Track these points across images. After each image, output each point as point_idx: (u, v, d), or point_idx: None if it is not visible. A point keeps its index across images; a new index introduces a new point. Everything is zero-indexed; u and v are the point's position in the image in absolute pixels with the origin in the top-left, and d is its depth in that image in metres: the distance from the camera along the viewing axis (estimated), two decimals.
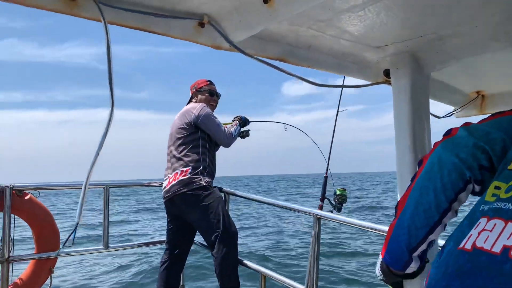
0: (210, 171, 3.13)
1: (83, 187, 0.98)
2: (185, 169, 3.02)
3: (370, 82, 1.65)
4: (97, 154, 0.98)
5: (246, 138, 3.53)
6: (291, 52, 1.38)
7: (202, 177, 3.01)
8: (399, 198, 1.44)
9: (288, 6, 1.03)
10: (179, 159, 3.08)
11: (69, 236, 1.95)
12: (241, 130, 3.47)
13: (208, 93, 3.39)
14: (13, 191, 3.07)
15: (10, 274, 3.05)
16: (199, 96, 3.37)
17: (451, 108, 2.07)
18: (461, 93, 2.01)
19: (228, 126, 3.38)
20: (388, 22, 1.22)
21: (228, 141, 3.25)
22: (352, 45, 1.40)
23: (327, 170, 3.46)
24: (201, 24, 1.15)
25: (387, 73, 1.54)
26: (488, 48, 1.30)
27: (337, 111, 3.57)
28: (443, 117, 2.02)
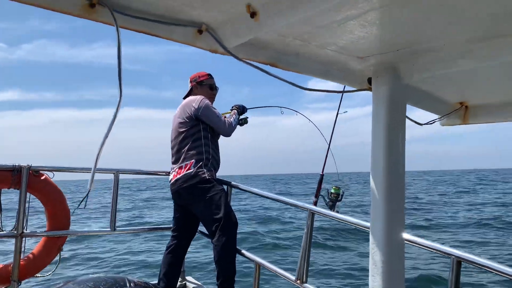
0: (214, 162, 3.27)
1: (95, 159, 1.13)
2: (189, 162, 3.16)
3: (356, 88, 1.77)
4: (107, 134, 1.12)
5: (245, 124, 3.63)
6: (281, 58, 1.50)
7: (205, 169, 3.15)
8: (372, 200, 1.57)
9: (272, 20, 1.17)
10: (183, 152, 3.21)
11: (82, 200, 2.10)
12: (240, 118, 3.58)
13: (209, 87, 3.48)
14: (30, 171, 3.26)
15: (23, 248, 3.25)
16: (199, 89, 3.46)
17: (435, 116, 2.16)
18: (445, 103, 2.11)
19: (227, 116, 3.47)
20: (365, 37, 1.34)
21: (229, 130, 3.35)
22: (336, 54, 1.52)
23: (323, 169, 3.58)
24: (200, 31, 1.30)
25: (370, 81, 1.67)
26: (456, 64, 1.41)
27: (337, 113, 3.69)
28: (424, 124, 2.12)
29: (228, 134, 3.38)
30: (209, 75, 3.53)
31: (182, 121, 3.27)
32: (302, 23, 1.26)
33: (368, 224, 2.03)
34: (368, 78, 1.70)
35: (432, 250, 1.81)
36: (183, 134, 3.25)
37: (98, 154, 1.13)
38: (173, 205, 3.42)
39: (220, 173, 3.40)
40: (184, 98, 3.53)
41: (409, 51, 1.44)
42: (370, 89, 1.69)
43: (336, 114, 3.69)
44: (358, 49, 1.46)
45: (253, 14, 1.19)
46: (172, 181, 3.25)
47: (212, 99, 3.46)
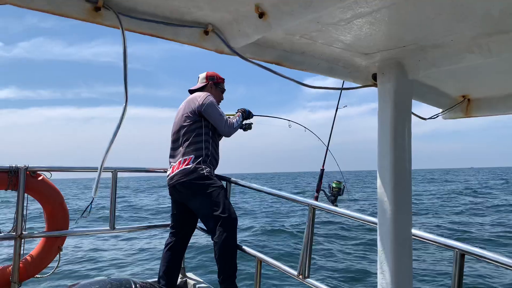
0: (212, 159, 3.25)
1: (99, 166, 1.12)
2: (188, 157, 3.14)
3: (360, 85, 1.77)
4: (112, 141, 1.12)
5: (248, 130, 3.62)
6: (287, 56, 1.50)
7: (204, 166, 3.13)
8: (378, 195, 1.56)
9: (280, 20, 1.16)
10: (182, 147, 3.20)
11: (86, 208, 2.10)
12: (244, 123, 3.57)
13: (221, 91, 3.54)
14: (27, 172, 3.23)
15: (22, 250, 3.23)
16: (214, 89, 3.48)
17: (438, 110, 2.17)
18: (447, 97, 2.11)
19: (231, 117, 3.46)
20: (372, 34, 1.33)
21: (228, 130, 3.34)
22: (342, 51, 1.52)
23: (323, 163, 3.58)
24: (206, 32, 1.28)
25: (375, 77, 1.66)
26: (464, 59, 1.41)
27: (336, 108, 3.68)
28: (428, 118, 2.12)
29: (228, 134, 3.37)
30: (224, 80, 3.58)
31: (185, 115, 3.26)
32: (310, 22, 1.25)
33: (374, 219, 2.04)
34: (372, 74, 1.69)
35: (436, 244, 1.84)
36: (185, 129, 3.24)
37: (102, 161, 1.12)
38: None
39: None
40: (192, 91, 3.52)
41: (415, 47, 1.44)
42: (375, 85, 1.69)
43: (335, 109, 3.68)
44: (364, 45, 1.45)
45: (261, 15, 1.18)
46: (170, 176, 3.23)
47: (219, 102, 3.47)
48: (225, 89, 3.58)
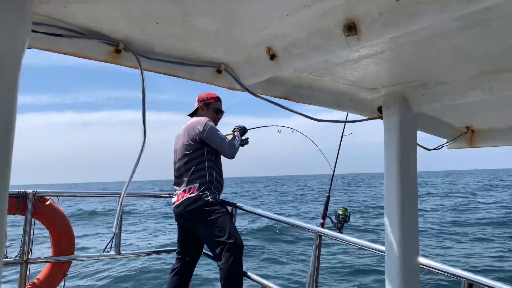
0: (217, 184, 3.26)
1: (119, 202, 1.16)
2: (192, 185, 3.16)
3: (366, 117, 1.80)
4: (131, 175, 1.15)
5: (246, 145, 3.65)
6: (294, 91, 1.56)
7: (208, 192, 3.14)
8: (385, 225, 1.58)
9: (290, 62, 1.23)
10: (186, 175, 3.21)
11: (108, 243, 2.12)
12: (241, 139, 3.59)
13: (215, 111, 3.50)
14: (35, 197, 3.27)
15: (27, 274, 3.23)
16: (205, 110, 3.46)
17: (443, 141, 2.20)
18: (451, 127, 2.15)
19: (229, 137, 3.48)
20: (377, 72, 1.39)
21: (232, 153, 3.36)
22: (348, 87, 1.57)
23: (329, 190, 3.57)
24: (219, 71, 1.35)
25: (380, 109, 1.71)
26: (467, 96, 1.46)
27: (341, 140, 3.70)
28: (433, 149, 2.14)
29: (231, 156, 3.38)
30: (218, 98, 3.55)
31: (186, 143, 3.27)
32: (319, 62, 1.31)
33: (382, 247, 2.04)
34: (378, 107, 1.74)
35: (444, 273, 1.85)
36: (187, 158, 3.25)
37: (122, 197, 1.15)
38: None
39: None
40: (190, 115, 3.54)
41: (419, 84, 1.50)
42: (380, 117, 1.73)
43: (340, 139, 3.70)
44: (368, 82, 1.51)
45: (272, 57, 1.24)
46: (175, 204, 3.25)
47: (216, 122, 3.48)
48: (219, 107, 3.53)
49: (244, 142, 3.63)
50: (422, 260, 1.82)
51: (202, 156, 3.24)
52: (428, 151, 2.11)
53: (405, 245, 1.54)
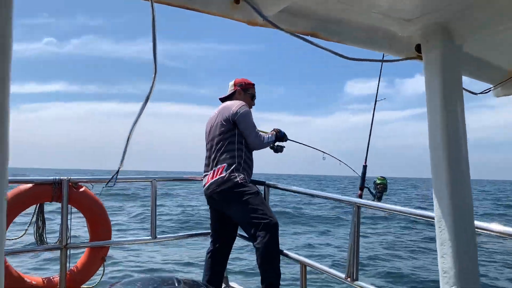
0: (246, 167, 3.20)
1: (126, 138, 1.08)
2: (221, 166, 3.12)
3: (402, 57, 1.61)
4: (142, 108, 1.07)
5: (279, 153, 3.49)
6: (322, 26, 1.38)
7: (237, 173, 3.09)
8: (433, 183, 1.39)
9: None
10: (216, 156, 3.18)
11: (112, 177, 2.08)
12: (276, 144, 3.46)
13: (251, 97, 3.48)
14: (70, 183, 3.30)
15: (68, 260, 3.29)
16: (242, 95, 3.43)
17: (489, 86, 1.95)
18: (499, 70, 1.89)
19: (263, 133, 3.39)
20: None
21: (257, 143, 3.26)
22: (381, 18, 1.37)
23: (365, 159, 3.43)
24: (237, 1, 1.22)
25: (418, 48, 1.50)
26: None
27: (379, 79, 3.52)
28: (480, 93, 1.92)
29: (255, 145, 3.28)
30: (254, 84, 3.53)
31: (219, 123, 3.24)
32: None
33: (429, 213, 1.87)
34: (416, 45, 1.54)
35: (505, 235, 1.68)
36: (218, 137, 3.22)
37: (130, 132, 1.07)
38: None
39: None
40: (223, 100, 3.50)
41: (463, 5, 1.28)
42: (419, 57, 1.53)
43: (376, 87, 3.49)
44: (404, 10, 1.31)
45: None
46: (205, 186, 3.22)
47: (249, 107, 3.41)
48: (254, 94, 3.52)
49: (278, 149, 3.47)
50: (478, 223, 1.63)
51: (233, 137, 3.19)
52: (474, 95, 1.89)
53: (458, 208, 1.34)
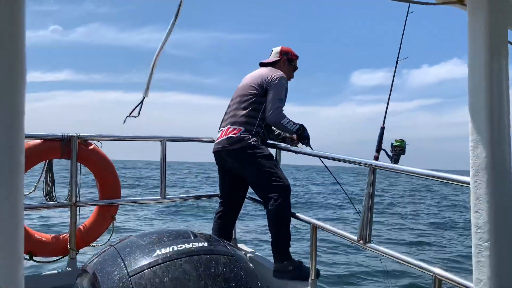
0: (262, 136, 3.10)
1: (151, 64, 1.01)
2: (238, 127, 3.01)
3: (440, 1, 1.44)
4: (166, 39, 0.99)
5: (304, 146, 3.24)
6: None
7: (250, 136, 2.98)
8: (471, 143, 1.27)
9: None
10: (236, 115, 3.07)
11: (136, 107, 2.01)
12: (295, 138, 3.27)
13: (293, 68, 3.35)
14: (79, 140, 3.24)
15: (77, 218, 3.28)
16: (286, 65, 3.29)
17: None
18: None
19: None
20: None
21: (275, 117, 3.00)
22: None
23: (384, 121, 3.29)
24: None
25: None
26: None
27: (400, 42, 3.33)
28: None
29: (271, 118, 3.01)
30: (298, 57, 3.38)
31: (251, 85, 3.10)
32: None
33: (464, 178, 1.72)
34: None
35: None
36: (245, 98, 3.09)
37: (154, 61, 1.00)
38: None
39: None
40: (264, 65, 3.33)
41: None
42: (458, 2, 1.35)
43: (405, 20, 3.29)
44: None
45: None
46: (217, 141, 3.14)
47: (289, 79, 3.25)
48: (297, 67, 3.37)
49: (307, 143, 3.19)
50: None
51: (260, 105, 3.05)
52: None
53: (496, 163, 1.22)
